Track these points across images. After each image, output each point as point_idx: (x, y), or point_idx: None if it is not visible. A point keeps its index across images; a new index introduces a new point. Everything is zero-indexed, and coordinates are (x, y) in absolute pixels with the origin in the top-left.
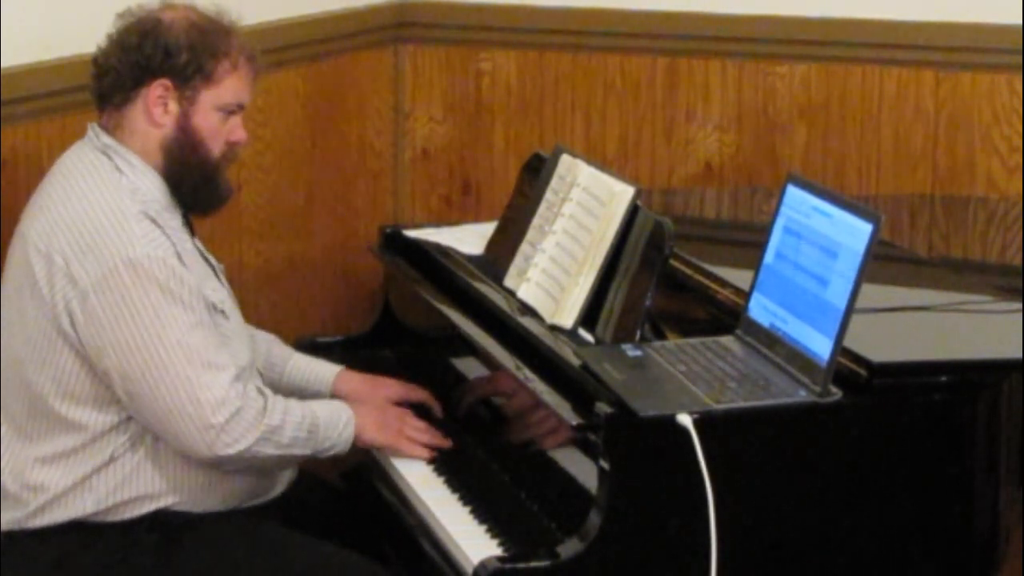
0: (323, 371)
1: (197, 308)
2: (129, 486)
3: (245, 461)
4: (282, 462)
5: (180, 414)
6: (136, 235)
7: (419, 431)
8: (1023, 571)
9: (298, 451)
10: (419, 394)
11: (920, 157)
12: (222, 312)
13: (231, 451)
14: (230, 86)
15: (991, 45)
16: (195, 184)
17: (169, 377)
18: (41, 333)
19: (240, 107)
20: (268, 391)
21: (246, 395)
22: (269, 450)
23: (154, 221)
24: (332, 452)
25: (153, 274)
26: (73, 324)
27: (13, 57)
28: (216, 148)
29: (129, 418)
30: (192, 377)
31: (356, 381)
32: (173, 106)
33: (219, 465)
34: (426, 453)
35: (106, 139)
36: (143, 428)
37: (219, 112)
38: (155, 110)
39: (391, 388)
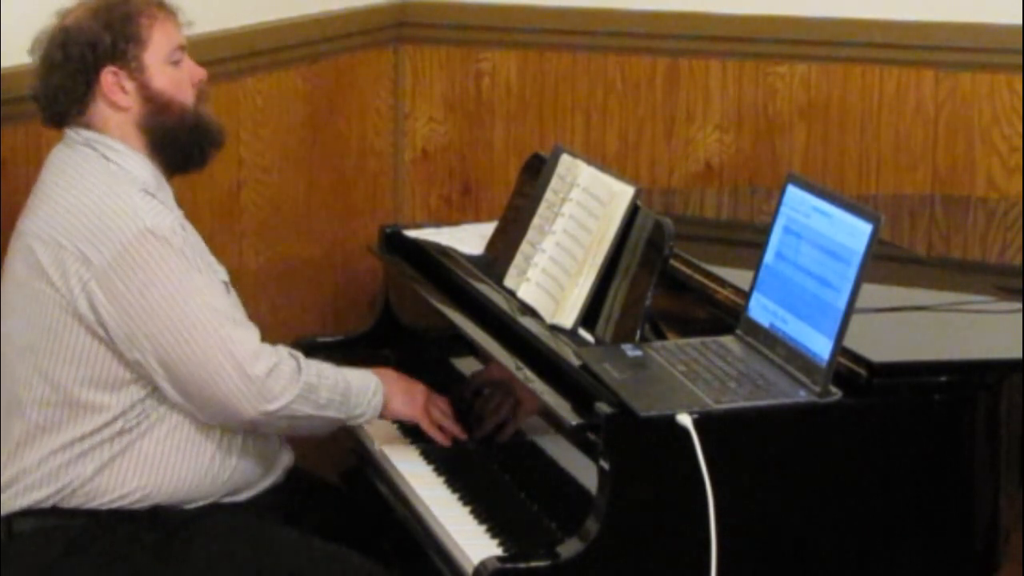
0: None
1: (210, 273)
2: (145, 471)
3: (284, 420)
4: (316, 425)
5: (220, 373)
6: (142, 208)
7: (443, 412)
8: (1023, 571)
9: (332, 413)
10: None
11: (920, 157)
12: (225, 283)
13: (272, 407)
14: (160, 36)
15: (991, 45)
16: (186, 140)
17: (203, 338)
18: (56, 320)
19: (182, 48)
20: (296, 352)
21: (278, 352)
22: (307, 409)
23: (154, 196)
24: (362, 419)
25: (167, 241)
26: (92, 306)
27: (13, 57)
28: (188, 97)
29: (145, 399)
30: (224, 335)
31: None
32: (129, 84)
33: (259, 426)
34: (443, 438)
35: (87, 133)
36: (158, 409)
37: (169, 64)
38: (116, 97)
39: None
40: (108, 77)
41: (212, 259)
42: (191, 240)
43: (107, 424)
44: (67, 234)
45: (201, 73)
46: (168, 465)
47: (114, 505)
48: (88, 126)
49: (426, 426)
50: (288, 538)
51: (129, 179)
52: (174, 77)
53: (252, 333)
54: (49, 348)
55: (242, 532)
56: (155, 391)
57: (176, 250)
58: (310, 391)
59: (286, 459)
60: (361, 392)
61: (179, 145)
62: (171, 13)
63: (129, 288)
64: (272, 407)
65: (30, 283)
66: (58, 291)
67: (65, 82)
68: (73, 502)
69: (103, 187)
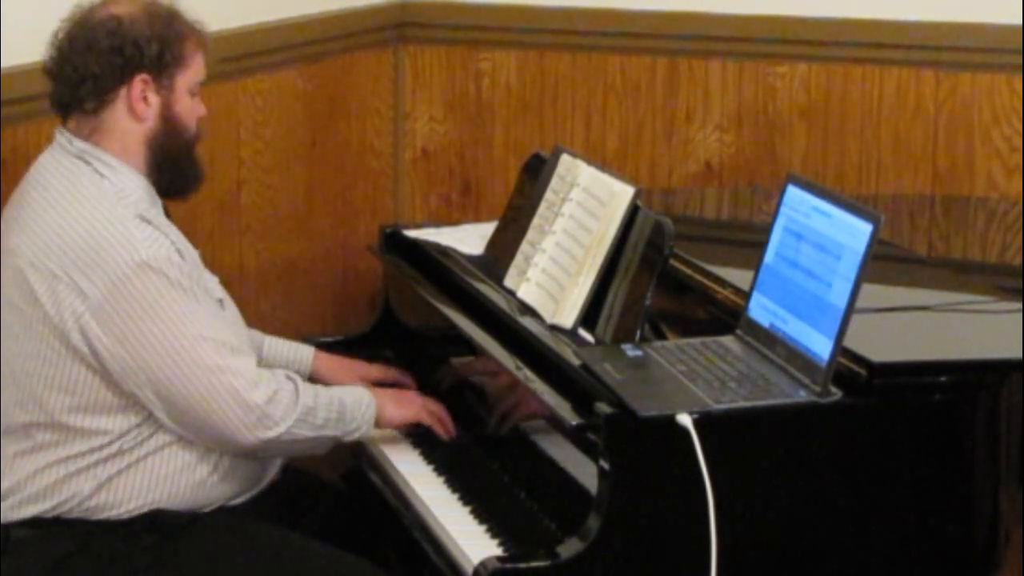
0: (301, 351)
1: (206, 300)
2: (143, 489)
3: (284, 445)
4: (314, 446)
5: (220, 405)
6: (138, 239)
7: (438, 407)
8: (1023, 571)
9: (330, 432)
10: (394, 374)
11: (920, 157)
12: (220, 302)
13: (272, 433)
14: (196, 65)
15: (991, 45)
16: (179, 169)
17: (202, 372)
18: (49, 348)
19: (202, 84)
20: (293, 374)
21: (276, 378)
22: (305, 432)
23: (149, 222)
24: (357, 435)
25: (163, 273)
26: (87, 339)
27: (13, 57)
28: (193, 128)
29: (141, 424)
30: (223, 366)
31: (334, 360)
32: (153, 98)
33: (258, 452)
34: (443, 430)
35: (80, 144)
36: (157, 434)
37: (190, 94)
38: (138, 106)
39: (369, 369)
40: (139, 84)
41: (208, 276)
42: (186, 267)
43: (104, 445)
44: (60, 263)
45: (204, 111)
46: (167, 483)
47: (112, 519)
48: (93, 130)
49: (426, 419)
50: (287, 540)
51: (122, 198)
52: (190, 108)
53: (250, 360)
54: (42, 374)
55: (241, 534)
56: (151, 416)
57: (173, 282)
58: (308, 414)
59: (280, 459)
60: (355, 407)
61: (175, 171)
62: (208, 45)
63: (125, 322)
64: (272, 434)
65: (24, 308)
66: (51, 321)
67: (101, 70)
68: (73, 516)
69: (97, 212)
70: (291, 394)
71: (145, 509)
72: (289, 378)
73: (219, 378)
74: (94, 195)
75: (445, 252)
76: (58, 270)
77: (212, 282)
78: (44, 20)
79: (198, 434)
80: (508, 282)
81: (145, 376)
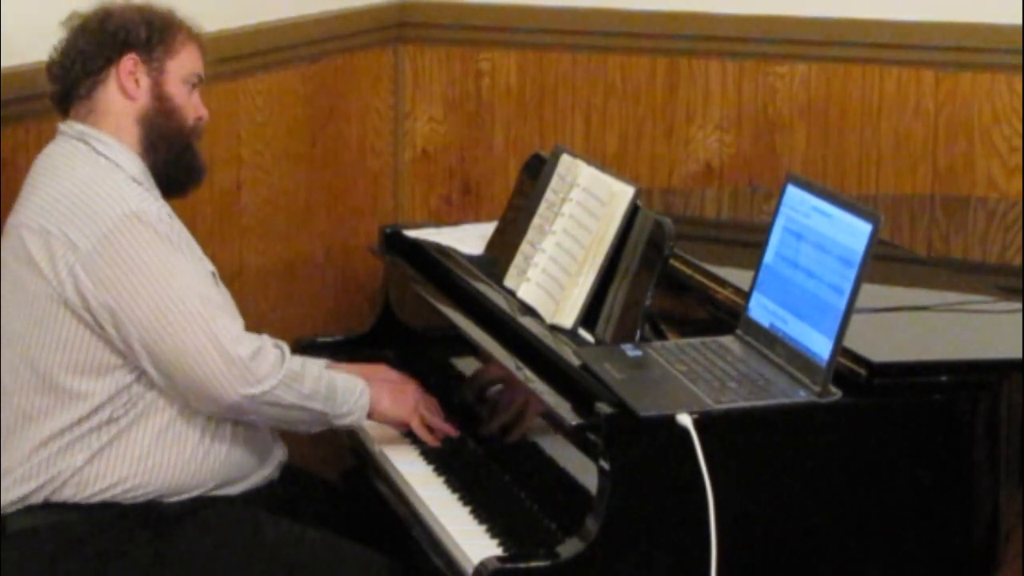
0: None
1: (195, 261)
2: (135, 459)
3: (270, 409)
4: (301, 419)
5: (203, 354)
6: (128, 194)
7: (432, 412)
8: (1023, 571)
9: (317, 406)
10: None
11: (920, 157)
12: (213, 275)
13: (255, 391)
14: (189, 56)
15: (991, 45)
16: (173, 155)
17: (186, 320)
18: (42, 309)
19: (200, 80)
20: (282, 342)
21: (263, 338)
22: (291, 397)
23: (141, 184)
24: (348, 420)
25: (152, 225)
26: (79, 291)
27: (13, 57)
28: (189, 118)
29: (131, 385)
30: (208, 317)
31: (349, 368)
32: (144, 80)
33: (244, 412)
34: (432, 439)
35: (80, 127)
36: (145, 397)
37: (185, 84)
38: (128, 84)
39: (382, 373)
40: (128, 63)
41: (199, 251)
42: (177, 227)
43: (94, 412)
44: (54, 220)
45: (204, 112)
46: (158, 453)
47: (106, 495)
48: (89, 112)
49: (415, 427)
50: (286, 530)
51: (118, 170)
52: (184, 94)
53: (236, 320)
54: (37, 337)
55: (239, 525)
56: (141, 377)
57: (161, 236)
58: (294, 379)
59: (279, 453)
60: (347, 391)
61: (164, 157)
62: (203, 45)
63: (113, 271)
64: (255, 391)
65: (19, 272)
66: (46, 280)
67: (88, 48)
68: (65, 493)
69: (91, 173)
70: (277, 356)
71: (138, 479)
72: (276, 344)
73: (204, 329)
74: (88, 164)
75: (445, 252)
76: (51, 226)
77: (205, 258)
78: (44, 20)
79: (184, 387)
80: (508, 282)
81: (132, 326)
